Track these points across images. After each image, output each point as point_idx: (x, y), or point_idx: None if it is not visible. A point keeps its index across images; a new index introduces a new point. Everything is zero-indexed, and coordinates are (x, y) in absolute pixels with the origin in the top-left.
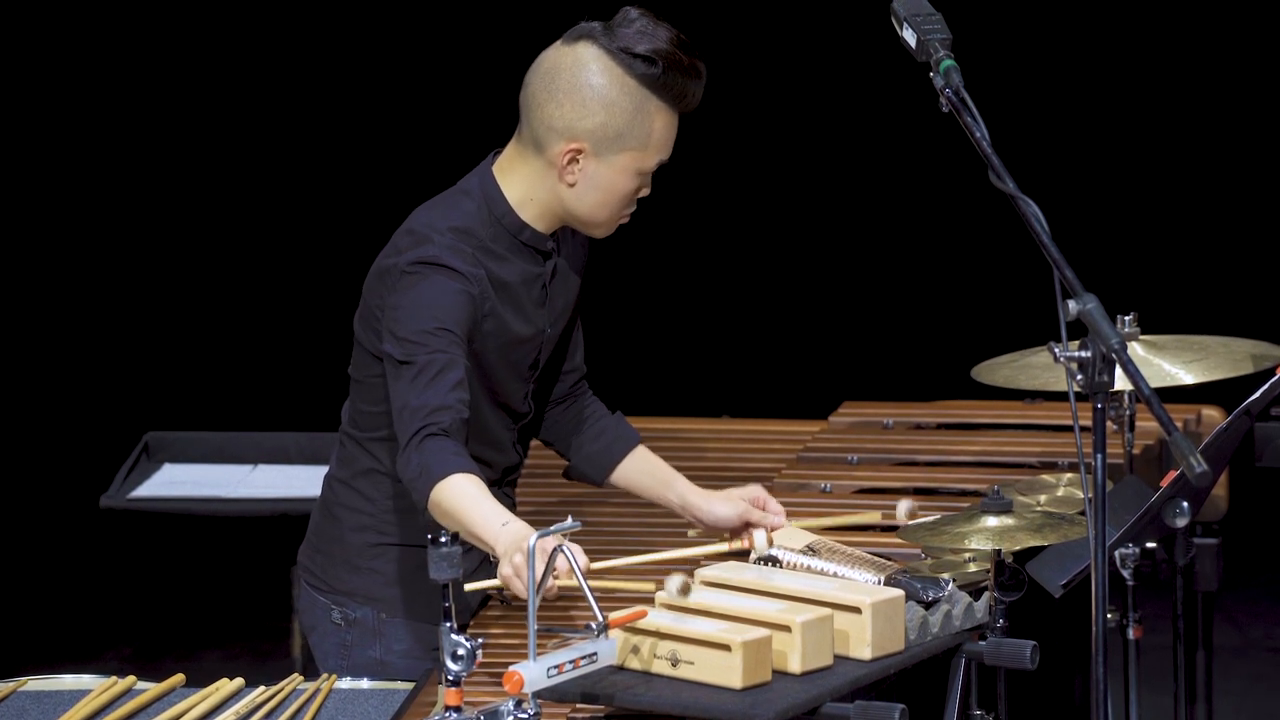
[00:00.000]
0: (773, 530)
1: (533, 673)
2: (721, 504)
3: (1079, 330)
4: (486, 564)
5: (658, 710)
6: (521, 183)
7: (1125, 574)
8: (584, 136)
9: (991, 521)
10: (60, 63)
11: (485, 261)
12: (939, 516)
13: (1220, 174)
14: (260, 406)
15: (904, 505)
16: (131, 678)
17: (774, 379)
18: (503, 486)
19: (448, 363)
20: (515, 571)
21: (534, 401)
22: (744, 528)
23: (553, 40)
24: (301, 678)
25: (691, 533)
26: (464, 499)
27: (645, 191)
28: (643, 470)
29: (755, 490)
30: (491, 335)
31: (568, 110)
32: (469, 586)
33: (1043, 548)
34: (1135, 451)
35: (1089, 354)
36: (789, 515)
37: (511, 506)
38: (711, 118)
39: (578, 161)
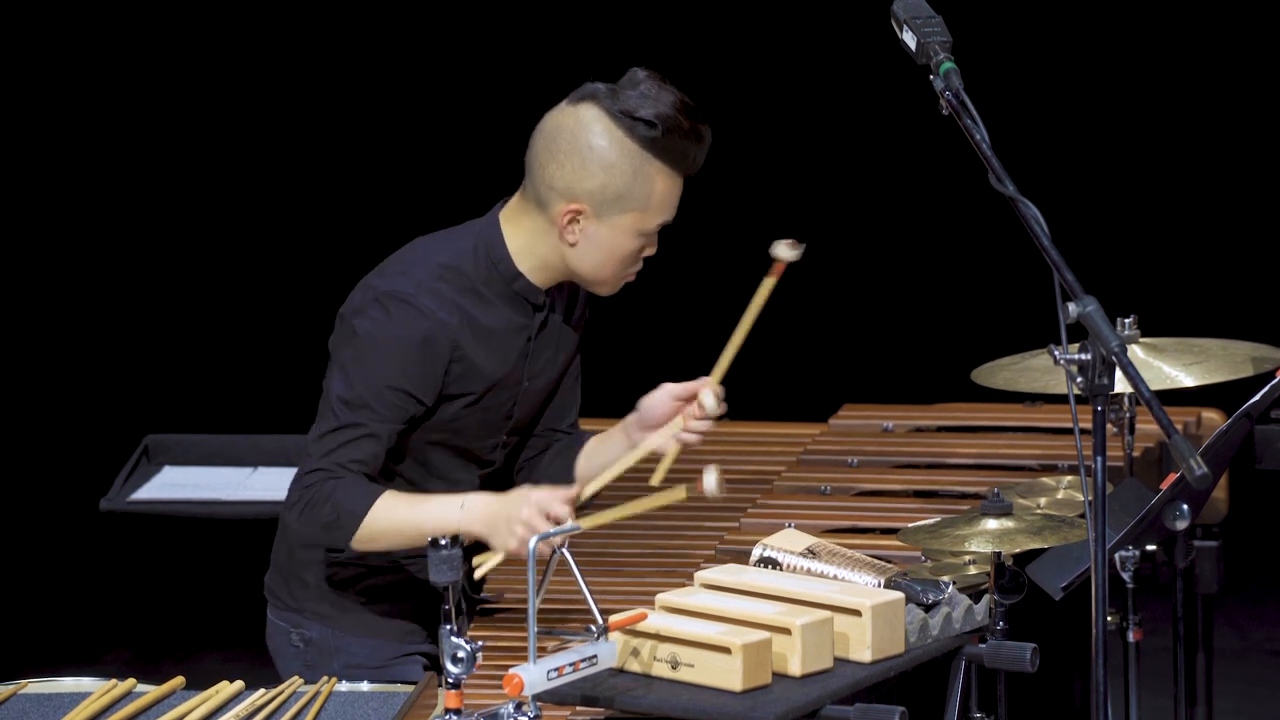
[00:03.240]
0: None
1: (533, 675)
2: (648, 400)
3: (1079, 333)
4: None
5: (658, 713)
6: (524, 235)
7: (1125, 576)
8: (584, 197)
9: (991, 524)
10: (60, 63)
11: (467, 303)
12: (939, 519)
13: (1220, 175)
14: (260, 409)
15: (710, 477)
16: (131, 680)
17: (774, 381)
18: None
19: (373, 432)
20: (523, 541)
21: (506, 454)
22: (678, 409)
23: (566, 82)
24: (301, 680)
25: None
26: (401, 511)
27: (650, 251)
28: (596, 447)
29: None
30: (460, 379)
31: (568, 171)
32: (479, 573)
33: (1043, 550)
34: (1135, 454)
35: (1089, 356)
36: (790, 519)
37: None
38: (713, 119)
39: (578, 222)
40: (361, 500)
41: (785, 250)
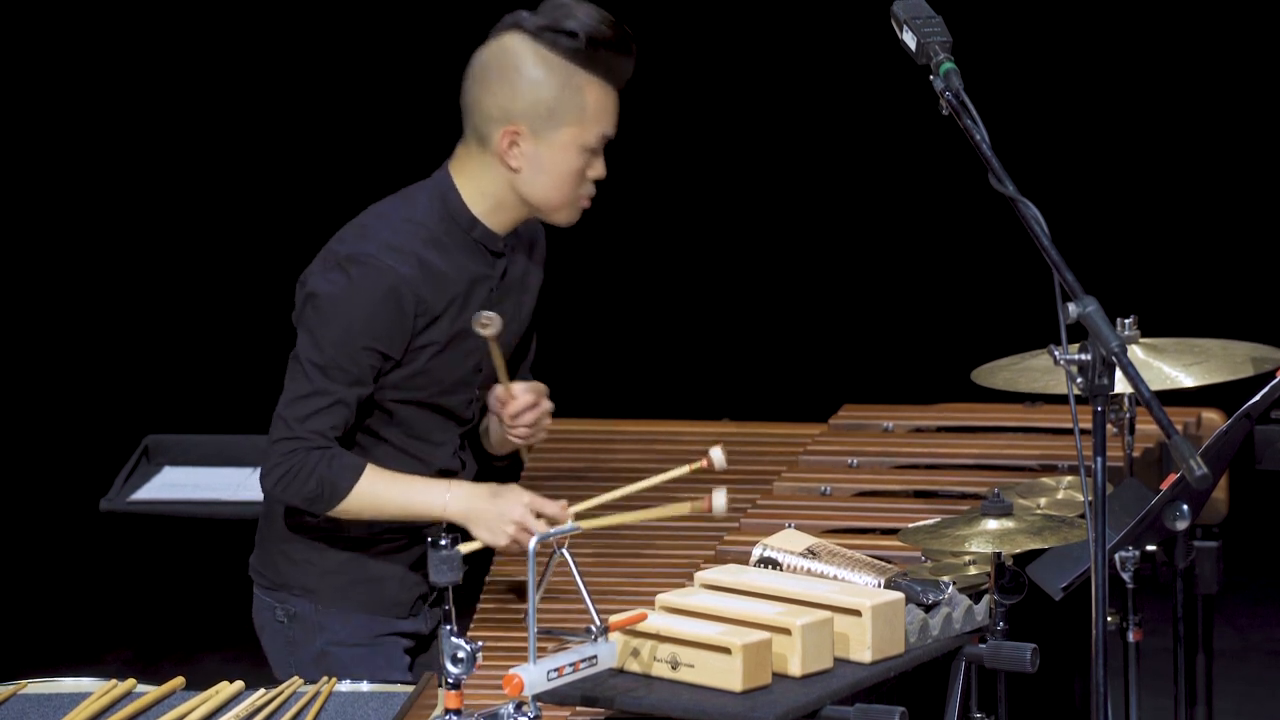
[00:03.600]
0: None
1: (533, 675)
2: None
3: (1079, 333)
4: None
5: (658, 713)
6: (473, 178)
7: (1125, 577)
8: (519, 118)
9: (991, 524)
10: (60, 63)
11: (429, 255)
12: (939, 519)
13: (1220, 176)
14: (260, 409)
15: (719, 497)
16: (131, 680)
17: (774, 382)
18: None
19: (343, 399)
20: (512, 540)
21: (477, 412)
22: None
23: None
24: (301, 680)
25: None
26: (386, 490)
27: (598, 171)
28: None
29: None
30: (426, 330)
31: (500, 96)
32: (464, 548)
33: (1043, 551)
34: (1135, 454)
35: (1089, 357)
36: (790, 519)
37: None
38: (712, 119)
39: (518, 145)
40: (347, 476)
41: (483, 330)
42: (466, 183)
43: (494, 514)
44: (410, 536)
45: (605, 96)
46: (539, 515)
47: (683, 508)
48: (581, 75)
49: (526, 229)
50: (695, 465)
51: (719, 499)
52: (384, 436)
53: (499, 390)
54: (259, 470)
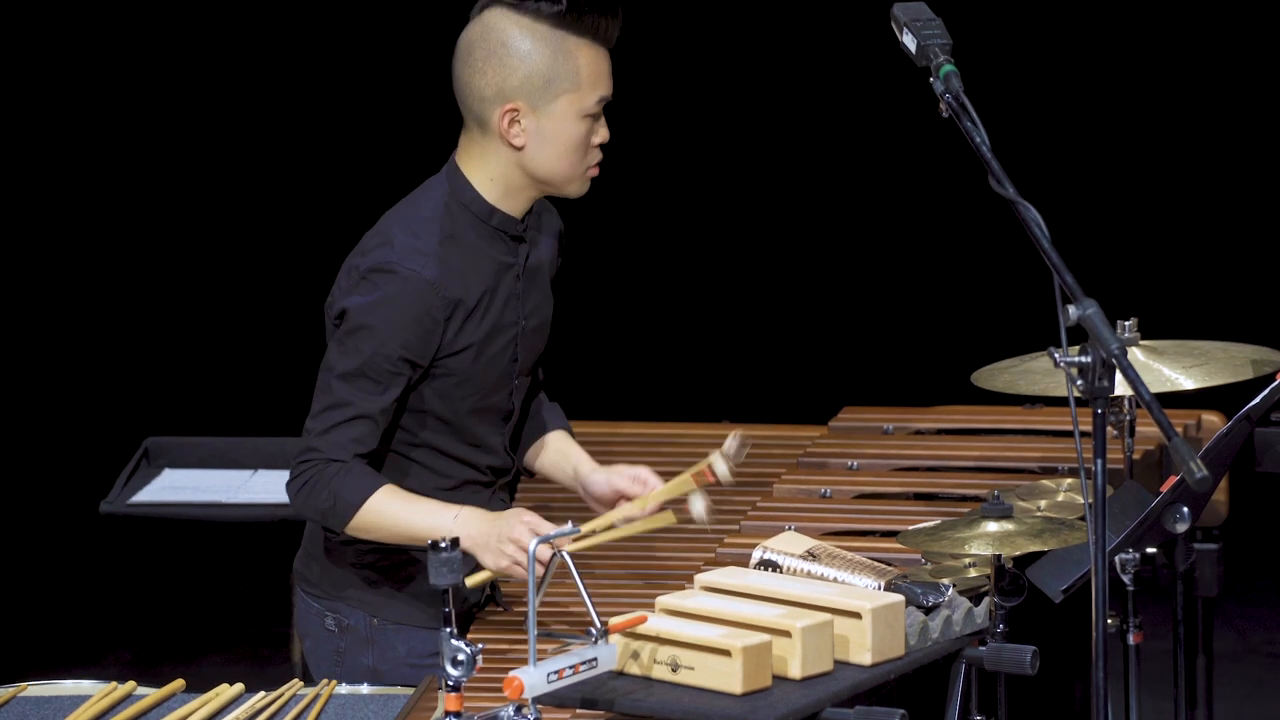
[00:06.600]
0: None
1: (533, 678)
2: (600, 474)
3: (1079, 335)
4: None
5: (658, 716)
6: (480, 165)
7: (1125, 579)
8: (515, 94)
9: (992, 527)
10: (60, 63)
11: (451, 254)
12: (939, 522)
13: (1220, 178)
14: (260, 412)
15: (698, 503)
16: (132, 683)
17: (774, 384)
18: (494, 490)
19: (367, 413)
20: (514, 562)
21: (519, 402)
22: (616, 499)
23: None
24: (301, 683)
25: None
26: (396, 510)
27: (603, 137)
28: (552, 457)
29: (639, 470)
30: (460, 333)
31: (491, 76)
32: (471, 582)
33: (1043, 553)
34: (1135, 457)
35: (1089, 359)
36: (790, 521)
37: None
38: (714, 122)
39: (518, 122)
40: (359, 492)
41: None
42: (475, 171)
43: (494, 536)
44: None
45: (597, 58)
46: (536, 535)
47: (669, 517)
48: (570, 40)
49: (537, 206)
50: (696, 471)
51: (697, 505)
52: (442, 449)
53: (619, 482)
54: (253, 475)
